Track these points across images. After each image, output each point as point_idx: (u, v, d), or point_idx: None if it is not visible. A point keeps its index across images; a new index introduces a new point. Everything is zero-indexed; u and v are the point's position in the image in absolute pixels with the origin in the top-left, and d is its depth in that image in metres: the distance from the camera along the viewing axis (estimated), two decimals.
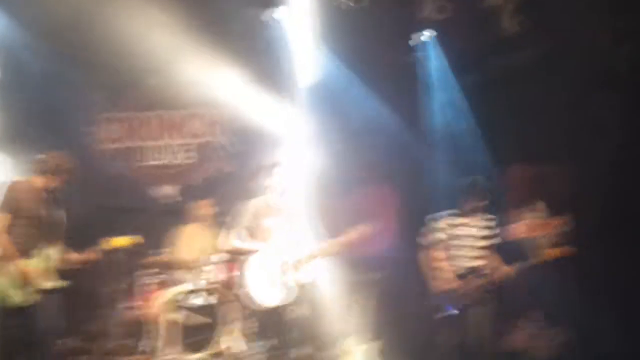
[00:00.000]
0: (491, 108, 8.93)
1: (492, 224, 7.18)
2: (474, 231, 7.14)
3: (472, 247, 7.11)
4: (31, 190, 6.11)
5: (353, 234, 6.84)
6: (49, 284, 6.07)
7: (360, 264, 8.65)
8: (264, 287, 6.76)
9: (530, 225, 8.08)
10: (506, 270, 6.98)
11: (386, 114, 9.29)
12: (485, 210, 7.15)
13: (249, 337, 8.01)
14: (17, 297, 5.92)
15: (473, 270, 7.03)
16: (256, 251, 6.82)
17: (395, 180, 9.22)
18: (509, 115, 8.78)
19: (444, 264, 7.04)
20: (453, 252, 7.09)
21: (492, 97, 8.96)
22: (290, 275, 6.77)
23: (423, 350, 7.41)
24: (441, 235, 7.10)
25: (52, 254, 6.14)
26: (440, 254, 7.07)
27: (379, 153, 9.31)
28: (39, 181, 6.15)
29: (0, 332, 6.01)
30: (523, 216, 8.10)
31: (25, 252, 6.00)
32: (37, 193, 6.12)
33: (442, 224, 7.15)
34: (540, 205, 8.14)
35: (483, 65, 9.21)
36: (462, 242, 7.11)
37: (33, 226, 6.05)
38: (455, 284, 6.98)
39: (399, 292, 8.55)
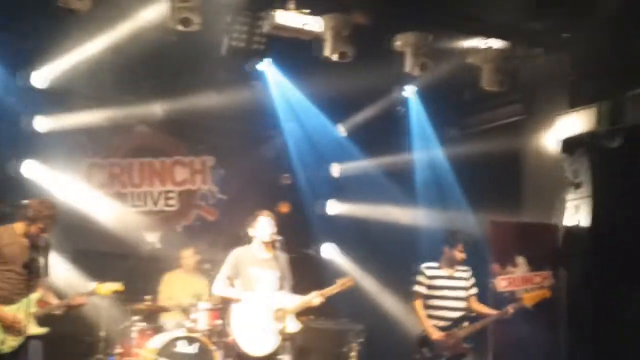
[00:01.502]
0: (472, 161, 9.10)
1: (469, 274, 7.32)
2: (452, 283, 7.28)
3: (451, 298, 7.24)
4: (13, 237, 6.10)
5: (337, 286, 6.93)
6: (32, 330, 6.02)
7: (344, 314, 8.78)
8: (249, 336, 6.75)
9: (512, 280, 8.25)
10: (490, 313, 7.16)
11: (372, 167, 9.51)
12: (463, 261, 7.29)
13: None
14: (8, 341, 5.90)
15: (453, 322, 7.17)
16: (240, 300, 6.82)
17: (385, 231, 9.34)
18: (490, 169, 8.96)
19: (425, 314, 7.17)
20: (434, 302, 7.22)
21: (472, 151, 9.15)
22: (275, 325, 6.77)
23: None
24: (421, 288, 7.23)
25: (34, 300, 6.10)
26: (421, 304, 7.20)
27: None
28: (20, 228, 6.12)
29: None
30: (505, 270, 8.27)
31: (6, 298, 5.97)
32: (19, 239, 6.09)
33: (421, 277, 7.28)
34: (521, 260, 8.30)
35: (464, 120, 9.44)
36: (441, 293, 7.23)
37: (14, 272, 6.02)
38: (437, 336, 7.09)
39: (386, 341, 8.62)
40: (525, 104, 8.95)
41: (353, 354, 7.49)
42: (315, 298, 6.87)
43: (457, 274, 7.29)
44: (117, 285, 6.64)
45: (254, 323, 6.78)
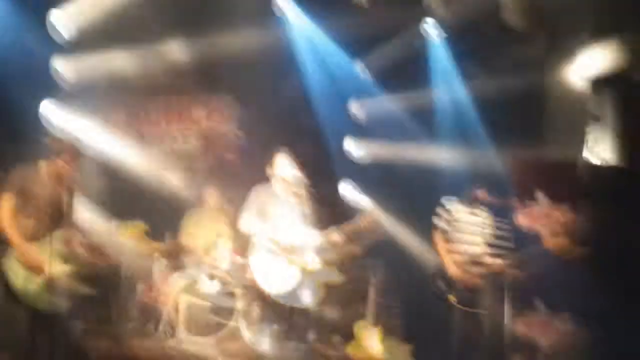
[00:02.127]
0: (494, 98, 8.99)
1: (491, 215, 7.38)
2: (474, 219, 7.32)
3: (472, 235, 7.31)
4: (37, 174, 6.14)
5: (360, 220, 6.92)
6: (56, 267, 6.07)
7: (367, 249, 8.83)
8: (271, 274, 6.81)
9: (532, 216, 8.21)
10: (501, 262, 7.18)
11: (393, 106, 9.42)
12: (487, 202, 7.31)
13: (255, 322, 8.18)
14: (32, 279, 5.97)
15: (475, 259, 7.19)
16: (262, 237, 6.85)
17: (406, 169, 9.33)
18: (512, 105, 8.87)
19: (445, 248, 7.28)
20: (454, 236, 7.32)
21: (494, 87, 9.03)
22: (297, 262, 6.82)
23: (433, 335, 7.59)
24: (441, 222, 7.29)
25: (58, 238, 6.15)
26: (441, 237, 7.30)
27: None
28: (44, 165, 6.17)
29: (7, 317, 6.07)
30: (526, 206, 8.23)
31: (31, 235, 6.02)
32: (44, 177, 6.14)
33: (443, 211, 7.36)
34: (540, 195, 8.25)
35: (489, 58, 9.30)
36: (462, 228, 7.30)
37: (39, 210, 6.07)
38: (453, 270, 7.16)
39: (406, 276, 8.68)
40: (548, 39, 8.77)
41: (372, 289, 7.54)
42: (335, 234, 6.88)
43: (478, 212, 7.39)
44: (139, 227, 6.70)
45: (276, 261, 6.83)
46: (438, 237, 7.34)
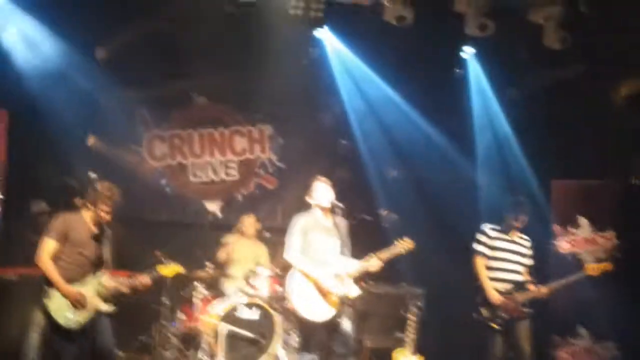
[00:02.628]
0: (533, 123, 8.93)
1: (530, 244, 7.33)
2: (514, 247, 7.24)
3: (512, 262, 7.22)
4: (81, 222, 6.32)
5: (395, 248, 6.87)
6: (101, 306, 6.26)
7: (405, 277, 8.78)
8: (310, 301, 6.77)
9: (574, 242, 8.10)
10: (544, 289, 7.08)
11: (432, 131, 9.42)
12: (525, 228, 7.27)
13: (294, 350, 8.15)
14: (75, 317, 6.11)
15: (514, 285, 7.12)
16: (311, 276, 6.80)
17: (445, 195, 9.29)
18: (551, 130, 8.79)
19: (486, 275, 7.22)
20: (495, 264, 7.24)
21: (534, 113, 8.98)
22: (336, 289, 6.77)
23: None
24: (482, 247, 7.24)
25: (101, 281, 6.33)
26: (482, 264, 7.24)
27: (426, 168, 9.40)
28: (86, 215, 6.34)
29: (54, 353, 6.22)
30: (567, 232, 8.12)
31: (73, 279, 6.19)
32: (87, 226, 6.32)
33: (484, 237, 7.29)
34: (583, 221, 8.14)
35: (524, 81, 9.25)
36: (503, 256, 7.23)
37: (83, 256, 6.26)
38: (496, 299, 7.08)
39: (446, 303, 8.61)
40: (587, 61, 8.68)
41: (412, 317, 7.46)
42: (373, 261, 6.83)
43: (518, 240, 7.31)
44: (178, 268, 6.80)
45: (315, 289, 6.79)
46: (479, 264, 7.27)
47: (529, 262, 7.31)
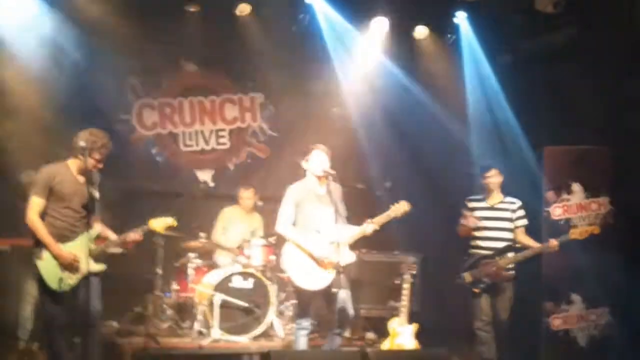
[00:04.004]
0: (525, 89, 8.89)
1: (516, 206, 7.35)
2: (493, 213, 7.36)
3: (492, 229, 7.34)
4: (67, 173, 6.12)
5: (391, 212, 6.83)
6: (90, 267, 6.08)
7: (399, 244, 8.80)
8: (305, 271, 6.75)
9: (567, 207, 8.11)
10: (534, 245, 7.18)
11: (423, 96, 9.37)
12: (504, 192, 7.37)
13: (290, 319, 8.17)
14: (67, 279, 6.01)
15: (496, 252, 7.22)
16: (302, 246, 6.77)
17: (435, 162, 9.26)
18: (544, 96, 8.76)
19: (475, 244, 7.35)
20: (476, 233, 7.35)
21: (526, 79, 8.93)
22: (331, 257, 6.73)
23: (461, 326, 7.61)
24: (471, 217, 7.33)
25: (91, 237, 6.17)
26: (473, 231, 7.35)
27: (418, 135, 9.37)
28: (74, 163, 6.14)
29: (45, 316, 6.15)
30: (560, 198, 8.13)
31: (63, 236, 6.04)
32: (74, 176, 6.13)
33: (464, 208, 7.44)
34: (577, 187, 8.14)
35: (516, 46, 9.19)
36: (482, 224, 7.33)
37: (71, 209, 6.07)
38: (484, 263, 7.20)
39: (438, 270, 8.65)
40: (580, 26, 8.61)
41: (406, 285, 7.46)
42: (368, 226, 6.80)
43: (500, 205, 7.37)
44: (169, 220, 6.65)
45: (309, 259, 6.76)
46: (465, 230, 7.35)
47: (521, 223, 7.34)
